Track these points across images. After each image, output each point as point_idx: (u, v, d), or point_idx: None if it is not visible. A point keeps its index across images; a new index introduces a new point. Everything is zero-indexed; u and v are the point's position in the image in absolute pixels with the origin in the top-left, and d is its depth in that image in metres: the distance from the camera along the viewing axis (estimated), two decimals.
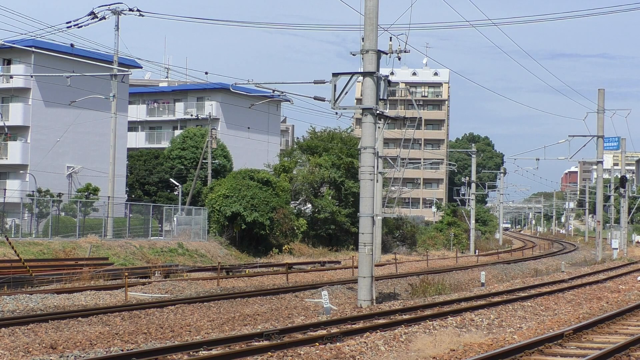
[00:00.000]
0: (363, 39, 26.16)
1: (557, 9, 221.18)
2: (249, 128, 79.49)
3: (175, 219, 54.72)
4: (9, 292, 27.01)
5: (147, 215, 53.32)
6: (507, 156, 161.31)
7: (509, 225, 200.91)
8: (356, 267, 31.50)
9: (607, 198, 76.25)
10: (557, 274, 41.39)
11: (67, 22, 44.17)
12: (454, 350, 15.94)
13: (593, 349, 16.27)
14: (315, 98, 28.52)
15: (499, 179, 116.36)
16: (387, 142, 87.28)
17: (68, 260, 36.85)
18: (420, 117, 48.07)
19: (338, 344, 16.83)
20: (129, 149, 68.68)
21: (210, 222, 53.59)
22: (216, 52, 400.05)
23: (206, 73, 75.02)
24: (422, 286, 31.37)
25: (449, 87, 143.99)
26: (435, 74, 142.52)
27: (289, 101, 36.26)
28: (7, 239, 36.26)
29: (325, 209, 61.71)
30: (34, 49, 53.26)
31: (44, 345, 17.54)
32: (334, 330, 18.65)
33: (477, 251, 70.02)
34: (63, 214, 51.60)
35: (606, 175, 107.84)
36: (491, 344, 16.56)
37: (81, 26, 43.32)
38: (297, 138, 77.84)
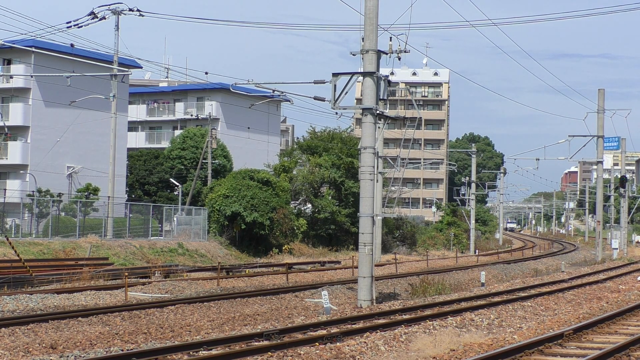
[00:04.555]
0: (363, 39, 26.18)
1: (558, 9, 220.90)
2: (249, 128, 79.50)
3: (175, 219, 54.72)
4: (9, 292, 27.01)
5: (147, 215, 53.32)
6: (507, 156, 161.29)
7: (514, 225, 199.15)
8: (356, 267, 31.49)
9: (607, 198, 76.23)
10: (557, 274, 41.39)
11: (67, 22, 44.21)
12: (454, 350, 15.94)
13: (593, 349, 16.27)
14: (315, 98, 28.54)
15: (499, 179, 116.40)
16: (387, 142, 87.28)
17: (68, 260, 36.85)
18: (420, 117, 48.08)
19: (338, 344, 16.83)
20: (129, 149, 68.67)
21: (210, 222, 53.59)
22: (216, 52, 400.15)
23: (206, 73, 75.30)
24: (422, 286, 31.38)
25: (449, 87, 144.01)
26: (435, 74, 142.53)
27: (289, 101, 36.27)
28: (7, 239, 36.26)
29: (325, 209, 61.71)
30: (34, 49, 53.26)
31: (44, 345, 17.54)
32: (334, 330, 18.65)
33: (477, 251, 70.02)
34: (63, 214, 51.60)
35: (606, 175, 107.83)
36: (491, 344, 16.55)
37: (81, 26, 43.36)
38: (297, 138, 77.87)
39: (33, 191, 53.61)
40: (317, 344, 16.82)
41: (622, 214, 73.47)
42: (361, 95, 27.38)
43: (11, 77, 60.13)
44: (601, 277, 37.45)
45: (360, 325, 19.79)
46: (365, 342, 16.83)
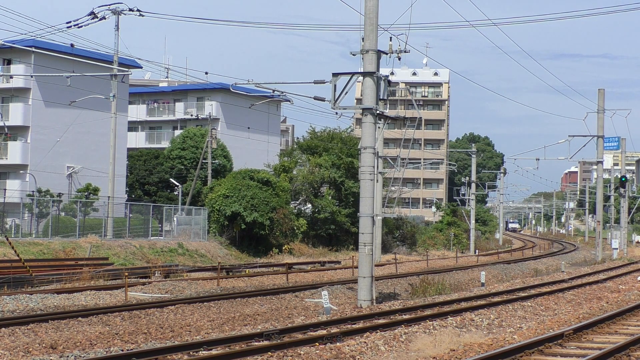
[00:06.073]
0: (363, 39, 26.17)
1: (558, 9, 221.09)
2: (249, 128, 79.48)
3: (175, 219, 54.71)
4: (9, 292, 27.01)
5: (147, 215, 53.32)
6: (507, 156, 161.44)
7: (516, 225, 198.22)
8: (356, 267, 31.49)
9: (607, 198, 76.24)
10: (557, 274, 41.39)
11: (67, 22, 44.18)
12: (454, 350, 15.94)
13: (593, 349, 16.27)
14: (316, 98, 28.54)
15: (499, 179, 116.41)
16: (387, 142, 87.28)
17: (68, 260, 36.85)
18: (420, 117, 48.10)
19: (338, 344, 16.83)
20: (129, 149, 68.67)
21: (210, 222, 53.59)
22: (216, 52, 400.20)
23: (206, 73, 75.27)
24: (422, 286, 31.38)
25: (449, 87, 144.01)
26: (436, 74, 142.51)
27: (289, 101, 36.27)
28: (7, 239, 36.26)
29: (325, 209, 61.71)
30: (34, 49, 53.24)
31: (44, 345, 17.54)
32: (334, 330, 18.65)
33: (477, 251, 70.02)
34: (63, 214, 51.59)
35: (606, 175, 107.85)
36: (491, 344, 16.55)
37: (81, 26, 43.34)
38: (297, 138, 77.85)
39: (33, 191, 53.59)
40: (317, 344, 16.82)
41: (622, 214, 73.45)
42: (361, 95, 27.38)
43: (11, 77, 60.10)
44: (601, 277, 37.45)
45: (360, 325, 19.78)
46: (365, 342, 16.83)
